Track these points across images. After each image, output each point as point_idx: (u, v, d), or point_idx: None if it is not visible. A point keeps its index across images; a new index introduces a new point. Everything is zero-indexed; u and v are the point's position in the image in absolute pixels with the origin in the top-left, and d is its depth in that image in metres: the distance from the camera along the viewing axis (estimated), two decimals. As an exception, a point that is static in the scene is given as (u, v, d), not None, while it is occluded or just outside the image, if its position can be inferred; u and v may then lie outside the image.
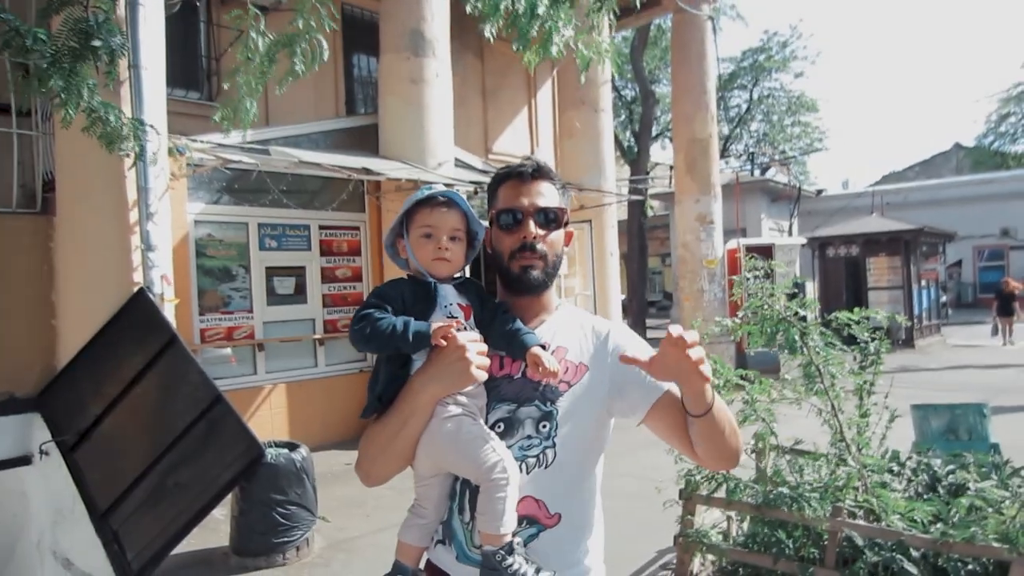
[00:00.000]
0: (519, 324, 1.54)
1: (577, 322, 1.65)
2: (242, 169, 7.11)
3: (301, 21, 4.82)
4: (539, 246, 1.57)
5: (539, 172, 1.62)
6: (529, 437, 1.49)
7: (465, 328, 1.49)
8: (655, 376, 1.39)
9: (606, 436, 1.61)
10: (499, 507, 1.38)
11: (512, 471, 1.40)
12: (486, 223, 1.65)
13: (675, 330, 1.28)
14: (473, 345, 1.44)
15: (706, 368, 1.31)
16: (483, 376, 1.45)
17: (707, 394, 1.38)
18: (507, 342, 1.52)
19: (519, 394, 1.52)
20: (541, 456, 1.48)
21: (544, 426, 1.49)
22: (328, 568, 4.80)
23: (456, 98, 8.97)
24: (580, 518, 1.54)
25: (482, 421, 1.49)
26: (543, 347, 1.50)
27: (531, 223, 1.57)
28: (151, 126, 4.26)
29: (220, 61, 8.87)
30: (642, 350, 1.47)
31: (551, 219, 1.59)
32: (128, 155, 4.13)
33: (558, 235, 1.62)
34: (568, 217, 1.66)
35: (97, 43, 3.49)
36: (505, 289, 1.64)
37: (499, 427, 1.50)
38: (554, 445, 1.48)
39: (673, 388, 1.50)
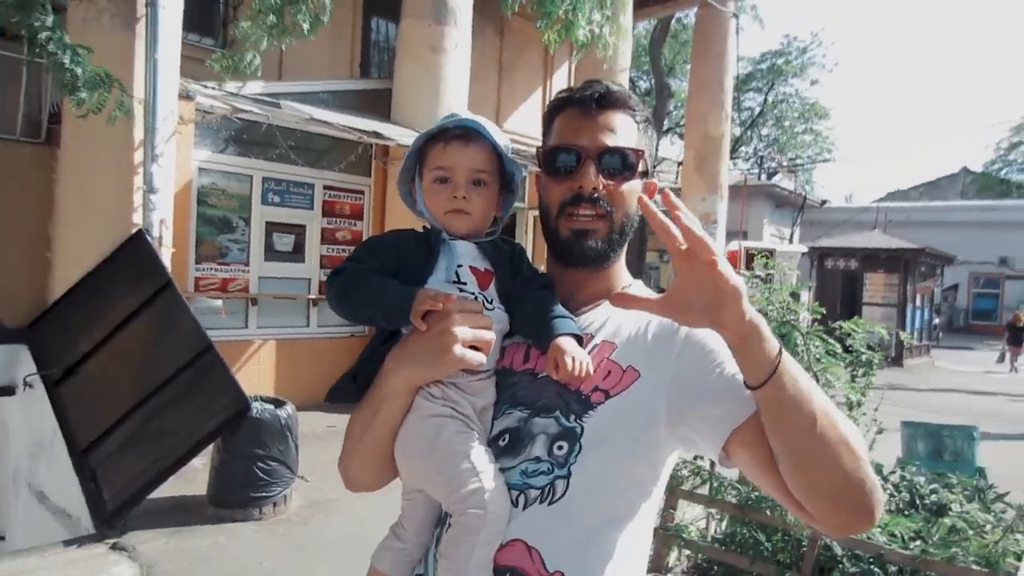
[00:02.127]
0: (556, 305, 1.15)
1: (637, 312, 1.10)
2: (251, 120, 7.03)
3: None
4: (602, 201, 1.15)
5: (608, 100, 1.18)
6: (537, 459, 1.08)
7: (476, 298, 1.15)
8: (672, 315, 0.97)
9: (656, 476, 1.14)
10: (464, 553, 1.03)
11: (495, 508, 1.04)
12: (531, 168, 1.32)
13: (694, 226, 0.87)
14: (465, 318, 1.08)
15: (741, 291, 0.90)
16: (474, 361, 1.08)
17: (765, 341, 0.94)
18: (534, 326, 1.14)
19: (538, 399, 1.12)
20: (548, 489, 1.06)
21: (560, 448, 1.07)
22: (304, 527, 4.80)
23: (472, 71, 8.88)
24: None
25: (477, 429, 1.12)
26: (579, 339, 1.11)
27: (591, 168, 1.14)
28: (116, 81, 4.08)
29: (237, 9, 8.74)
30: (720, 360, 1.08)
31: (622, 164, 1.16)
32: (79, 107, 3.93)
33: (631, 187, 1.17)
34: (649, 162, 1.22)
35: None
36: (554, 258, 1.25)
37: (503, 440, 1.12)
38: (568, 475, 1.06)
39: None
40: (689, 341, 1.11)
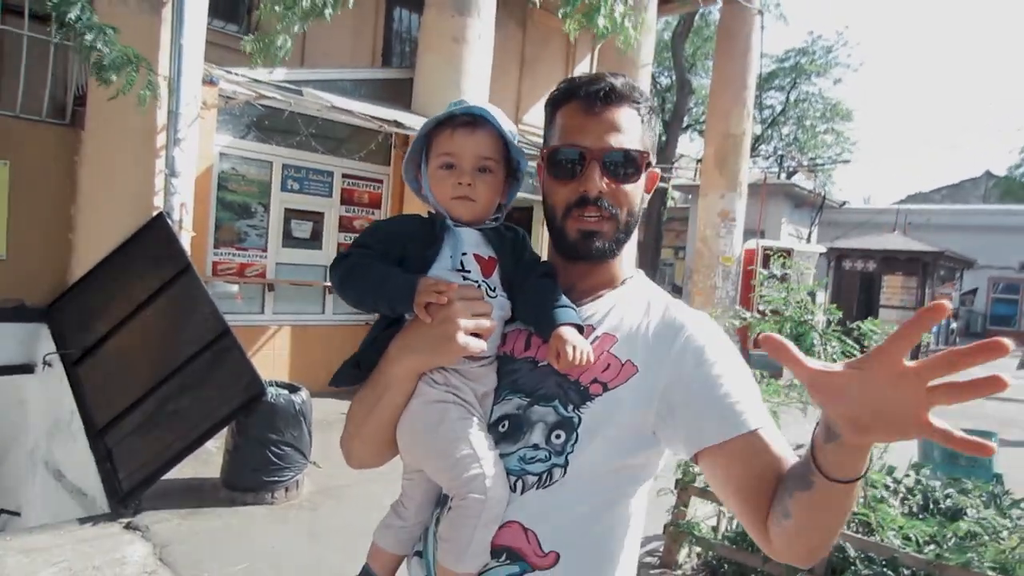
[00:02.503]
0: (558, 293, 1.16)
1: (642, 304, 1.21)
2: (273, 107, 7.05)
3: None
4: (606, 203, 1.15)
5: (613, 96, 1.15)
6: (536, 447, 1.10)
7: (479, 286, 1.16)
8: (823, 403, 0.83)
9: (648, 466, 1.17)
10: (465, 535, 1.06)
11: (495, 493, 1.07)
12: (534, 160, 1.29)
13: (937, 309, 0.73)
14: (468, 306, 1.10)
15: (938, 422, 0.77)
16: (476, 349, 1.10)
17: (867, 454, 0.90)
18: (536, 314, 1.15)
19: (537, 387, 1.14)
20: (545, 475, 1.09)
21: (558, 436, 1.10)
22: (315, 512, 4.83)
23: (494, 63, 8.86)
24: (589, 568, 1.12)
25: (478, 414, 1.14)
26: (580, 329, 1.12)
27: (596, 172, 1.13)
28: (143, 60, 4.11)
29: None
30: (716, 373, 1.09)
31: (627, 166, 1.16)
32: (108, 87, 3.96)
33: (636, 186, 1.18)
34: (653, 150, 1.21)
35: None
36: (556, 251, 1.24)
37: (503, 426, 1.14)
38: (566, 464, 1.09)
39: (766, 428, 1.07)
40: (689, 345, 1.12)
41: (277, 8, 4.96)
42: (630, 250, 1.27)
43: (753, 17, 12.21)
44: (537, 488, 1.09)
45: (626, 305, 1.20)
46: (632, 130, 1.16)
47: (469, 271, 1.16)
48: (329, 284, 8.26)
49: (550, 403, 1.12)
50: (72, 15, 3.59)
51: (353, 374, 1.21)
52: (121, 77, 3.94)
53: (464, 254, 1.17)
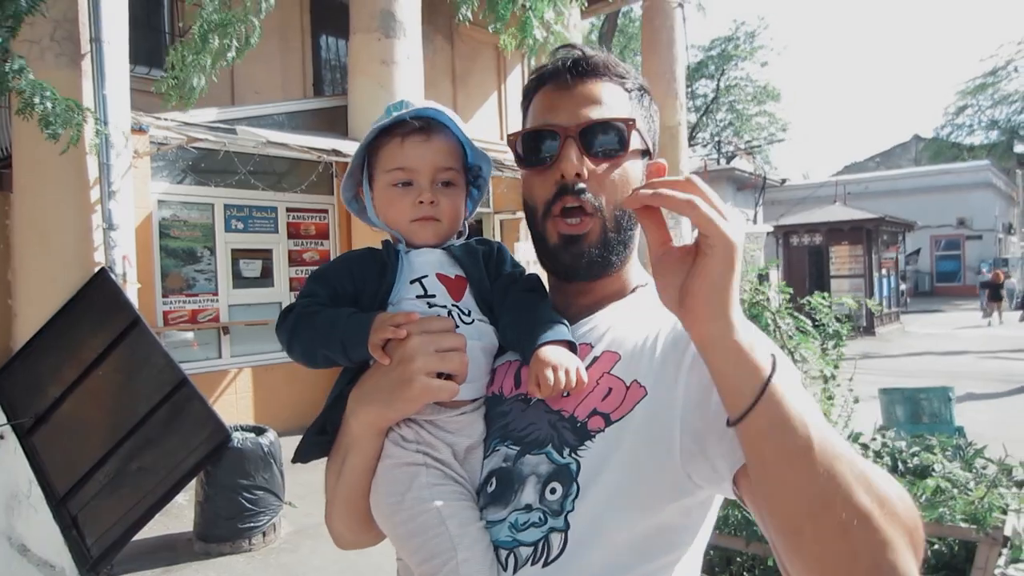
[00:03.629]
0: (542, 308, 0.96)
1: (651, 313, 0.93)
2: (208, 148, 6.94)
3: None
4: (588, 194, 0.93)
5: (587, 66, 0.96)
6: (528, 508, 0.87)
7: (448, 312, 0.95)
8: (659, 287, 0.74)
9: (688, 522, 0.89)
10: None
11: None
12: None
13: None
14: (430, 340, 0.88)
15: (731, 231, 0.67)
16: (444, 393, 0.89)
17: (751, 347, 0.70)
18: (517, 336, 0.94)
19: (528, 431, 0.92)
20: (542, 545, 0.85)
21: (553, 491, 0.86)
22: (295, 554, 4.74)
23: (426, 81, 8.87)
24: None
25: (458, 476, 0.93)
26: (572, 346, 0.91)
27: (572, 150, 0.93)
28: (88, 109, 4.06)
29: (185, 37, 8.63)
30: None
31: (612, 140, 0.94)
32: (56, 140, 3.91)
33: (626, 169, 0.96)
34: (649, 138, 1.01)
35: None
36: (546, 270, 1.05)
37: (491, 485, 0.92)
38: (566, 527, 0.84)
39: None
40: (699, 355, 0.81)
41: (187, 56, 4.91)
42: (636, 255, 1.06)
43: (674, 10, 12.46)
44: (533, 564, 0.85)
45: (631, 316, 0.97)
46: (616, 105, 0.96)
47: (434, 295, 0.97)
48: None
49: (542, 449, 0.89)
50: (10, 76, 3.52)
51: (319, 443, 1.01)
52: (70, 129, 3.87)
53: (425, 276, 0.98)
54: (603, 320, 0.98)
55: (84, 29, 4.66)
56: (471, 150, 1.05)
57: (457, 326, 0.94)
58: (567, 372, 0.86)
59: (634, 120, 0.95)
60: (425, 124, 1.00)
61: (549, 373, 0.85)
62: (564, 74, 0.96)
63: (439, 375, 0.89)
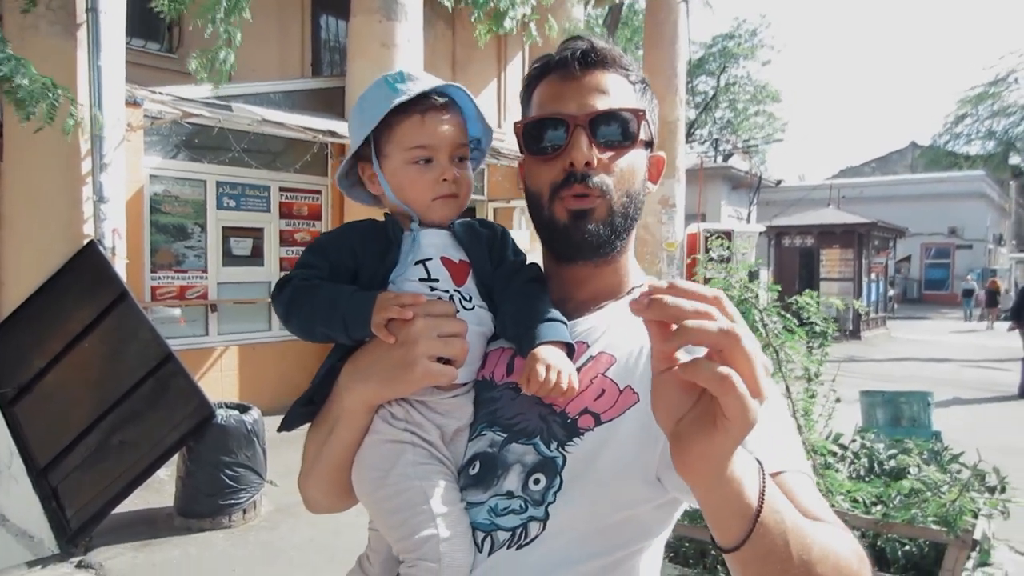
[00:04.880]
0: (544, 304, 0.96)
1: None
2: (202, 124, 6.90)
3: None
4: (595, 178, 0.96)
5: (595, 57, 0.98)
6: (509, 494, 0.90)
7: (450, 297, 0.96)
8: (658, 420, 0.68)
9: (658, 520, 0.93)
10: None
11: (453, 560, 0.87)
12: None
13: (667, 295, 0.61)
14: (434, 324, 0.91)
15: (748, 403, 0.59)
16: (444, 378, 0.91)
17: (741, 485, 0.68)
18: (516, 329, 0.95)
19: (517, 420, 0.94)
20: (520, 531, 0.88)
21: (536, 481, 0.89)
22: (275, 532, 4.76)
23: (425, 66, 8.83)
24: None
25: (443, 457, 0.95)
26: (570, 348, 0.92)
27: (582, 139, 0.94)
28: (63, 89, 3.99)
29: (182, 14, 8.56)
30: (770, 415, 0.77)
31: (620, 130, 0.97)
32: (28, 120, 3.86)
33: (633, 159, 0.99)
34: (652, 129, 1.03)
35: None
36: (549, 253, 1.06)
37: (473, 468, 0.94)
38: (545, 517, 0.88)
39: (794, 472, 0.82)
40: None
41: (211, 20, 4.86)
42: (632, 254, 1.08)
43: (678, 5, 12.44)
44: (509, 547, 0.88)
45: (629, 319, 0.88)
46: (622, 96, 0.98)
47: (437, 279, 0.97)
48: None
49: (530, 440, 0.91)
50: None
51: (305, 413, 1.02)
52: (43, 108, 3.82)
53: (429, 259, 0.98)
54: (601, 320, 0.99)
55: (80, -1, 4.63)
56: (481, 124, 1.06)
57: (457, 311, 0.95)
58: (559, 374, 0.87)
59: (644, 111, 0.98)
60: (445, 102, 1.00)
61: (542, 370, 0.86)
62: (572, 64, 0.98)
63: (438, 359, 0.91)
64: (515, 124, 1.03)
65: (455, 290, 0.97)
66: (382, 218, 1.04)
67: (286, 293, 0.97)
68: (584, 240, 0.97)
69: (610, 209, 0.97)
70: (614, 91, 0.97)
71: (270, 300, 0.92)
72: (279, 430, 1.05)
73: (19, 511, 4.69)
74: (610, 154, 0.96)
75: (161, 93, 6.50)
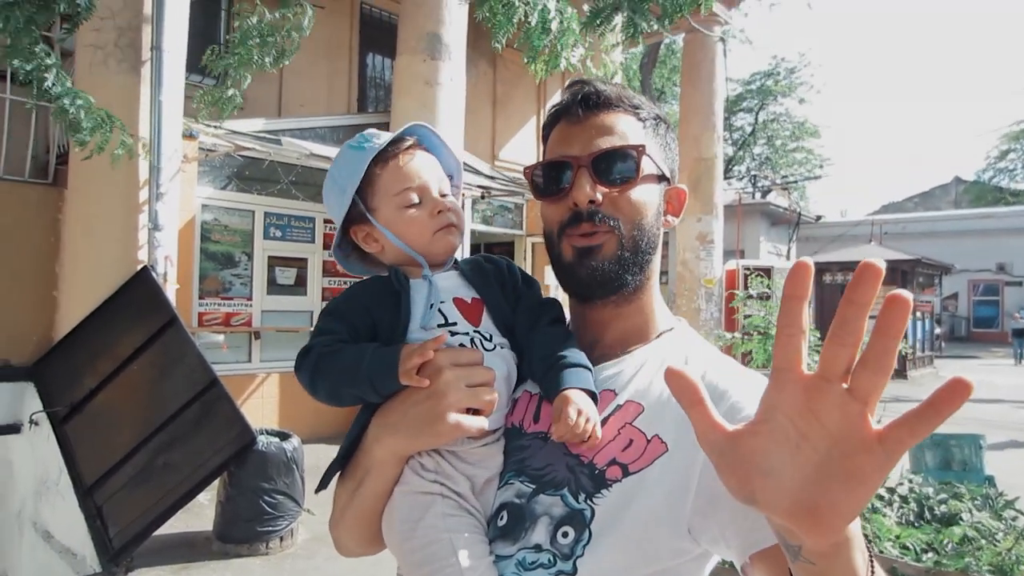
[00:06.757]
0: (569, 348, 0.95)
1: (679, 364, 0.76)
2: (253, 157, 7.13)
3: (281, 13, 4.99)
4: (601, 215, 0.96)
5: (598, 100, 0.99)
6: (538, 548, 0.88)
7: (471, 340, 0.96)
8: (733, 493, 0.61)
9: (689, 567, 0.89)
10: None
11: None
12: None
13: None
14: (463, 374, 0.90)
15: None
16: (473, 428, 0.90)
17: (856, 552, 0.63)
18: (542, 373, 0.94)
19: (545, 470, 0.92)
20: None
21: (565, 535, 0.87)
22: (311, 561, 4.78)
23: (467, 104, 9.00)
24: None
25: (473, 508, 0.93)
26: (593, 396, 0.90)
27: (585, 179, 0.95)
28: (117, 121, 4.18)
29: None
30: None
31: (622, 166, 0.97)
32: (83, 147, 4.06)
33: (642, 193, 0.98)
34: (665, 165, 1.03)
35: None
36: (571, 296, 1.05)
37: (501, 519, 0.93)
38: (574, 571, 0.85)
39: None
40: (733, 416, 0.76)
41: (222, 61, 5.13)
42: (660, 297, 1.06)
43: (715, 45, 12.51)
44: None
45: (659, 365, 0.95)
46: (628, 133, 0.99)
47: (455, 323, 0.96)
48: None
49: (558, 491, 0.89)
50: (48, 82, 3.68)
51: (336, 470, 1.03)
52: (95, 137, 4.01)
53: (442, 302, 0.97)
54: (629, 367, 0.97)
55: (146, 37, 4.86)
56: (452, 160, 1.09)
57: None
58: (587, 420, 0.86)
59: (644, 146, 0.98)
60: (414, 140, 1.04)
61: (573, 413, 0.85)
62: (576, 108, 1.00)
63: (467, 410, 0.90)
64: (524, 170, 1.05)
65: (473, 331, 0.97)
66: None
67: (310, 361, 0.95)
68: (590, 276, 0.97)
69: (619, 244, 0.96)
70: (619, 129, 0.98)
71: (294, 371, 0.91)
72: (316, 491, 1.05)
73: (64, 528, 4.79)
74: (617, 190, 0.97)
75: (215, 126, 6.74)
